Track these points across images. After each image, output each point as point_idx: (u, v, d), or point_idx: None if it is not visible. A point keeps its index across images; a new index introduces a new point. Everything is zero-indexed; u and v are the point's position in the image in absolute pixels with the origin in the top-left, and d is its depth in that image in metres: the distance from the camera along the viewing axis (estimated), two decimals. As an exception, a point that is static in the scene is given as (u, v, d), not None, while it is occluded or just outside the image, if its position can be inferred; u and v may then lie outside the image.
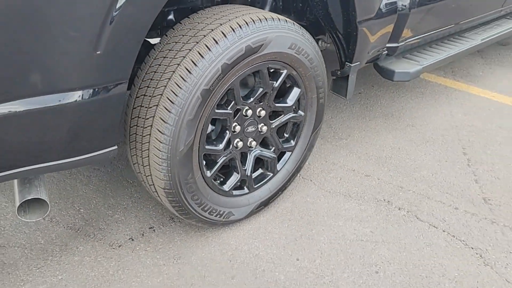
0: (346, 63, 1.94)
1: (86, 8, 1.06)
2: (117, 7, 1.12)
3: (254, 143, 1.73)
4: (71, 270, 1.60)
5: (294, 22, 1.61)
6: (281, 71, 1.63)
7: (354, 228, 1.83)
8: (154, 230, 1.79)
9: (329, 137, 2.42)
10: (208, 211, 1.65)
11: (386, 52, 2.13)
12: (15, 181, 1.37)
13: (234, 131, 1.63)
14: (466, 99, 2.85)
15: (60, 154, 1.25)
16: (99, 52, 1.13)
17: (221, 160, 1.63)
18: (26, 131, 1.15)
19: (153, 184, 1.52)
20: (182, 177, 1.49)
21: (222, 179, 1.71)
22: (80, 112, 1.18)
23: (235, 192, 1.74)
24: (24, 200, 1.28)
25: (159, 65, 1.40)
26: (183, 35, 1.43)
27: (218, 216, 1.70)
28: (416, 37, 2.21)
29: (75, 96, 1.14)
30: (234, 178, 1.71)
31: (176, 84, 1.36)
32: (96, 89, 1.17)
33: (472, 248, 1.76)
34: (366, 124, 2.56)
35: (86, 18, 1.07)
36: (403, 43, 2.14)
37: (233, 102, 1.55)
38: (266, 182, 1.84)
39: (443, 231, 1.84)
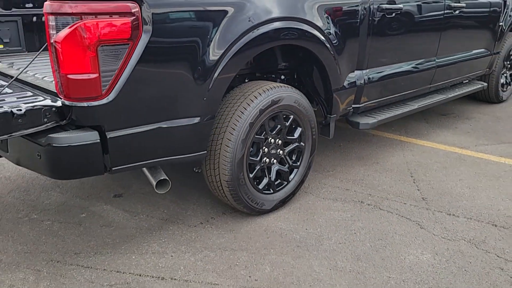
0: (327, 115, 3.15)
1: (203, 83, 2.27)
2: (212, 79, 2.32)
3: (275, 161, 2.86)
4: (169, 238, 2.63)
5: (296, 88, 2.85)
6: (290, 116, 2.82)
7: (340, 214, 2.90)
8: (214, 219, 2.84)
9: (320, 170, 3.56)
10: (250, 199, 2.73)
11: (353, 110, 3.36)
12: (144, 169, 2.43)
13: (264, 151, 2.77)
14: (415, 147, 4.05)
15: (177, 152, 2.38)
16: (205, 99, 2.31)
17: (257, 168, 2.75)
18: (164, 138, 2.29)
19: (220, 180, 2.61)
20: (237, 175, 2.60)
21: (257, 181, 2.81)
22: (194, 129, 2.33)
23: (265, 191, 2.83)
24: (160, 179, 2.36)
25: (225, 109, 2.57)
26: (237, 95, 2.63)
27: (256, 204, 2.77)
28: (371, 102, 3.46)
29: (194, 120, 2.31)
30: (265, 181, 2.82)
31: (235, 119, 2.53)
32: (204, 118, 2.34)
33: (414, 221, 2.83)
34: (345, 163, 3.71)
35: (202, 85, 2.27)
36: (363, 104, 3.38)
37: (264, 132, 2.71)
38: (283, 188, 2.93)
39: (396, 214, 2.91)
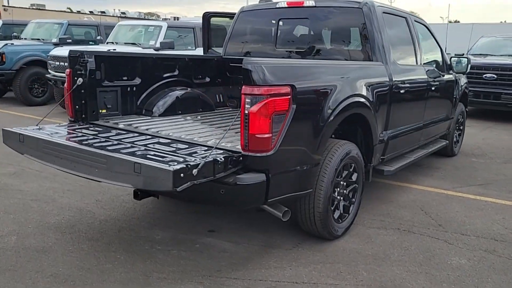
0: (368, 164, 4.22)
1: (317, 137, 3.24)
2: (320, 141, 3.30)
3: (342, 198, 3.83)
4: (278, 257, 3.43)
5: (356, 146, 3.89)
6: (352, 164, 3.84)
7: (389, 237, 3.89)
8: (300, 244, 3.69)
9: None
10: (332, 227, 3.64)
11: (380, 161, 4.46)
12: (266, 206, 3.26)
13: (338, 191, 3.73)
14: (412, 190, 5.22)
15: (300, 189, 3.26)
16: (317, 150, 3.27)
17: (335, 203, 3.69)
18: (297, 178, 3.18)
19: (314, 212, 3.51)
20: (327, 208, 3.52)
21: (333, 213, 3.74)
22: (307, 172, 3.25)
23: (338, 221, 3.77)
24: (284, 210, 3.21)
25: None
26: (323, 152, 3.60)
27: (334, 230, 3.69)
28: (390, 154, 4.60)
29: (306, 166, 3.24)
30: (337, 213, 3.76)
31: (325, 167, 3.49)
32: (308, 166, 3.28)
33: (442, 240, 3.89)
34: (369, 202, 4.75)
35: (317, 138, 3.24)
36: (387, 156, 4.51)
37: (340, 176, 3.69)
38: (346, 218, 3.89)
39: (427, 236, 3.96)
